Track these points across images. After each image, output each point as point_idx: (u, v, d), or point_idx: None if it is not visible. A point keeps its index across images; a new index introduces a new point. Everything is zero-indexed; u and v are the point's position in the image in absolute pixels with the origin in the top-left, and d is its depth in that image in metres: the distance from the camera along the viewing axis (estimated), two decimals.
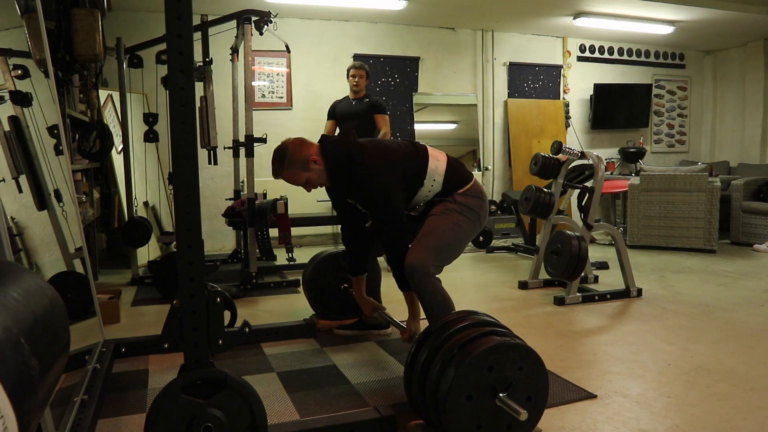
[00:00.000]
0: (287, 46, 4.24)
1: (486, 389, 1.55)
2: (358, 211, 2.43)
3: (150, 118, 4.27)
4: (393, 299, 2.87)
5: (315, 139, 2.40)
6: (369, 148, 2.30)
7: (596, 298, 3.56)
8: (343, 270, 3.02)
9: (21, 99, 2.49)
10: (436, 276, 2.22)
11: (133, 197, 4.25)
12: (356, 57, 6.02)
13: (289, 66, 5.84)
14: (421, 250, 2.20)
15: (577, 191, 3.93)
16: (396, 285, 2.30)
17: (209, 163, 4.41)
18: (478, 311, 1.84)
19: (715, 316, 3.18)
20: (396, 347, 2.69)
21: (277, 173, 2.30)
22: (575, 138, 7.06)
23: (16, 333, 0.68)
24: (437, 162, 2.35)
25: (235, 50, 4.56)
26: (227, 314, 2.63)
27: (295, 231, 5.55)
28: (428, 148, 2.40)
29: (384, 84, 6.23)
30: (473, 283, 4.23)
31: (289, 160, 2.26)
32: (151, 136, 4.29)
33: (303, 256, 4.11)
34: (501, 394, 1.55)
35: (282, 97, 5.87)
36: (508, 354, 1.58)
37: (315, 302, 3.10)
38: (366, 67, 4.46)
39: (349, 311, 3.03)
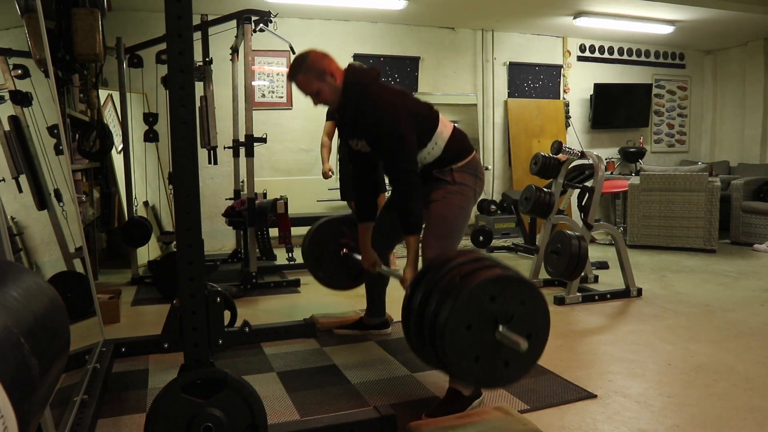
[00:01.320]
0: (291, 48, 4.21)
1: (487, 320, 1.50)
2: (365, 155, 2.43)
3: (150, 118, 4.27)
4: (394, 299, 2.86)
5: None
6: (391, 89, 2.33)
7: (596, 297, 3.56)
8: (342, 236, 2.93)
9: (21, 99, 2.49)
10: None
11: (133, 197, 4.25)
12: (356, 57, 6.02)
13: (289, 66, 5.84)
14: (436, 243, 2.24)
15: (577, 191, 3.93)
16: (397, 285, 2.31)
17: (209, 162, 4.41)
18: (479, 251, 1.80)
19: (715, 316, 3.18)
20: (396, 347, 2.69)
21: (292, 75, 2.29)
22: (575, 138, 7.06)
23: (16, 332, 0.68)
24: (444, 127, 2.37)
25: (235, 50, 4.57)
26: (227, 314, 2.62)
27: (295, 231, 5.55)
28: (439, 114, 2.42)
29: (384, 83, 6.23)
30: None
31: (308, 65, 2.25)
32: (151, 136, 4.29)
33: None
34: (501, 326, 1.50)
35: (282, 97, 5.87)
36: (511, 286, 1.53)
37: (315, 269, 2.98)
38: (364, 67, 4.44)
39: (350, 278, 2.94)
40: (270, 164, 5.79)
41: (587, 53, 7.18)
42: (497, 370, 1.54)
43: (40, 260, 2.70)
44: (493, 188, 6.76)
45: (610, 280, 4.09)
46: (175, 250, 1.52)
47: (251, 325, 2.61)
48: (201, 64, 4.11)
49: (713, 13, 5.86)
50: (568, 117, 7.05)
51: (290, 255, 4.43)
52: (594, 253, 4.84)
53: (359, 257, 2.73)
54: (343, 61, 6.38)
